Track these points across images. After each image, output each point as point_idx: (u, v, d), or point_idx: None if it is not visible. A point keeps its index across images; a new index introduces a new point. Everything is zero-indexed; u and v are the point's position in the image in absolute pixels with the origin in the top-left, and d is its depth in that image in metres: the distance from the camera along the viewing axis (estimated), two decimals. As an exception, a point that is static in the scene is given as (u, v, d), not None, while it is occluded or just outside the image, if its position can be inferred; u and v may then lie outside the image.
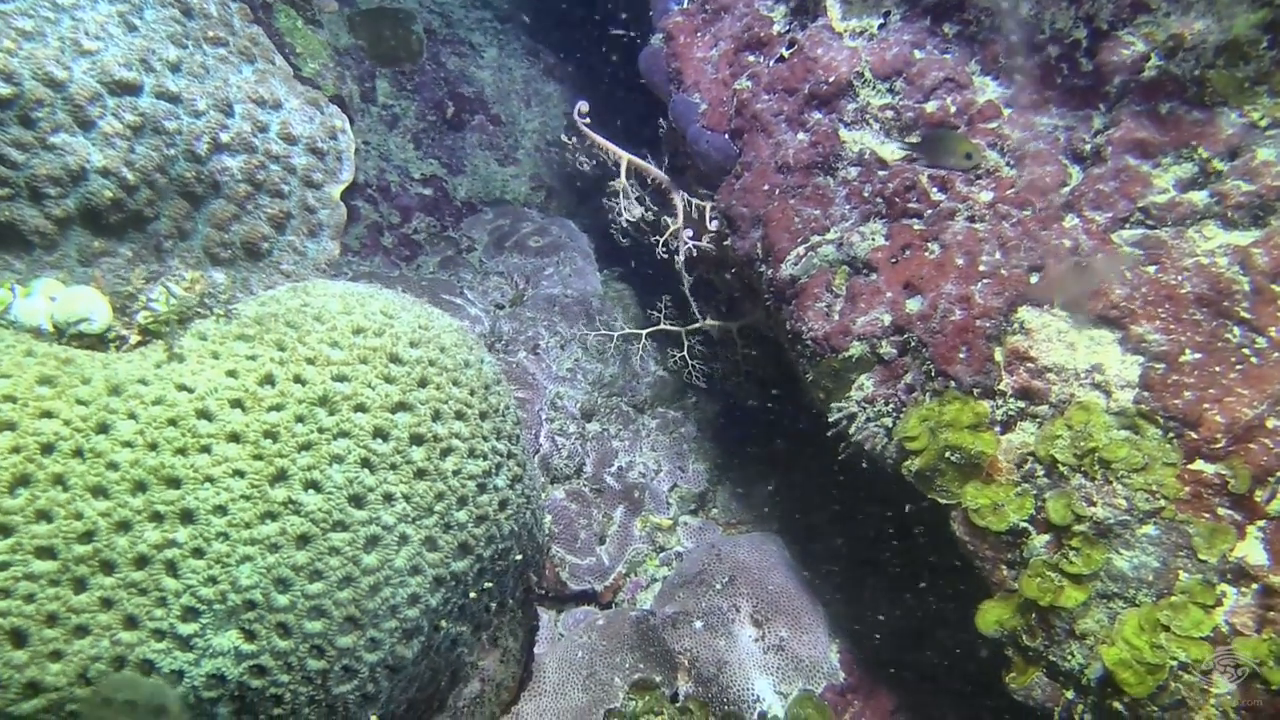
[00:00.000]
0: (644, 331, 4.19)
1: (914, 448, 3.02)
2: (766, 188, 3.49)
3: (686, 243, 3.91)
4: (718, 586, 4.05)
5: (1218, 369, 2.75)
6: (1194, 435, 2.71)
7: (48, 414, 1.88)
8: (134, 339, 2.08)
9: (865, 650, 4.00)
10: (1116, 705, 2.69)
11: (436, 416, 2.14)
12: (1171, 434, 2.74)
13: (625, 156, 3.98)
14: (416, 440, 2.10)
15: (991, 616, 2.95)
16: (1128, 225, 3.03)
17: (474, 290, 5.37)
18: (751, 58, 3.76)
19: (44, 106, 2.55)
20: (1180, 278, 2.87)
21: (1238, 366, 2.74)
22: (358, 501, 2.00)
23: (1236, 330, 2.78)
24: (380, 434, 2.06)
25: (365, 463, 2.01)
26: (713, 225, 3.84)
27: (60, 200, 2.58)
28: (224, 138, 2.85)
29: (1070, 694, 2.82)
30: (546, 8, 7.36)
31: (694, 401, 5.06)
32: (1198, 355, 2.77)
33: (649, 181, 4.04)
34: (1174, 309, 2.84)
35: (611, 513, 4.44)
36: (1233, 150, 2.95)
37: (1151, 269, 2.92)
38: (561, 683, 3.69)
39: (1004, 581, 2.93)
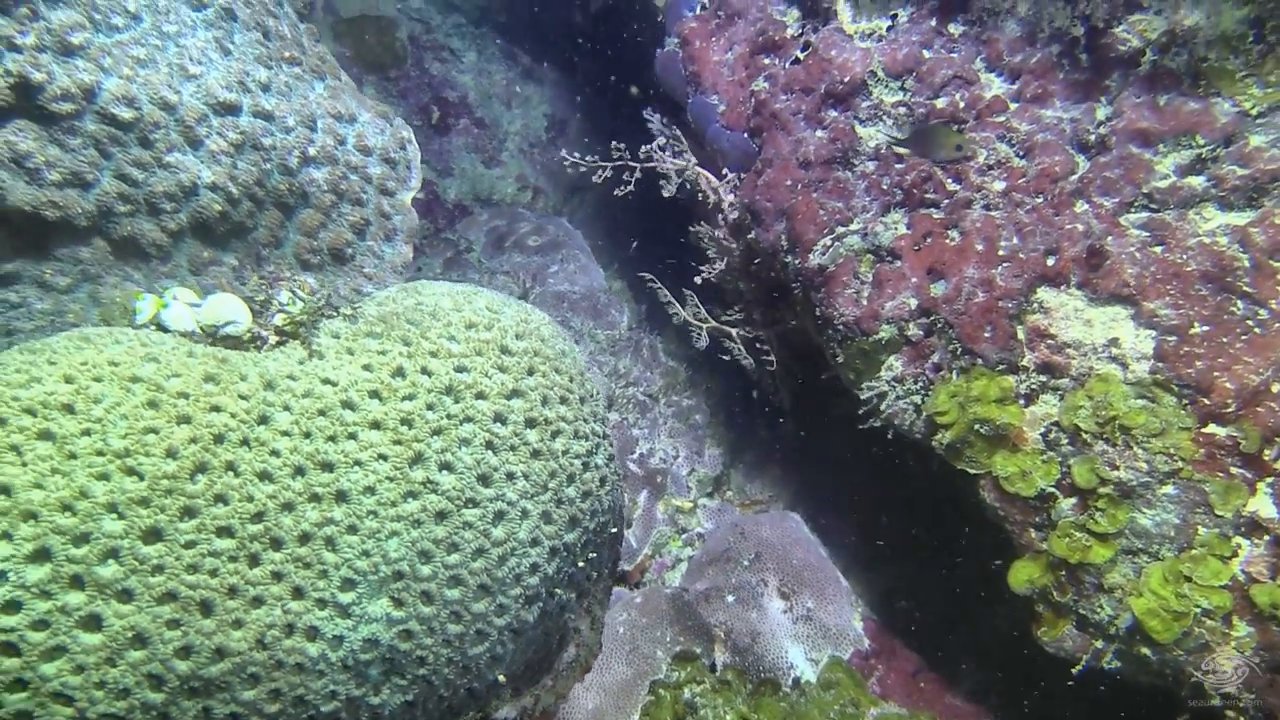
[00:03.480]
0: (704, 324, 4.33)
1: (944, 422, 3.22)
2: (789, 182, 3.68)
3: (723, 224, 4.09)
4: (745, 563, 4.24)
5: (1225, 339, 2.97)
6: (1206, 401, 2.93)
7: (216, 408, 2.03)
8: (272, 339, 2.23)
9: (885, 617, 4.21)
10: (1144, 650, 2.92)
11: (545, 401, 2.32)
12: (1185, 400, 2.96)
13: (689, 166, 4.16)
14: (530, 423, 2.28)
15: (1023, 575, 3.16)
16: (1133, 209, 3.25)
17: (483, 289, 5.52)
18: (767, 60, 3.95)
19: (160, 128, 2.70)
20: (1185, 256, 3.10)
21: (1243, 337, 2.96)
22: (485, 480, 2.17)
23: (1240, 303, 3.00)
24: (499, 418, 2.23)
25: (489, 445, 2.18)
26: (733, 215, 4.02)
27: (174, 214, 2.73)
28: (311, 151, 3.00)
29: (1099, 643, 3.04)
30: (519, 10, 7.49)
31: (705, 389, 5.26)
32: (1206, 327, 2.99)
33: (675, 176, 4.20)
34: (1182, 285, 3.07)
35: (636, 497, 4.62)
36: (1227, 137, 3.18)
37: (1158, 249, 3.14)
38: (606, 657, 3.86)
39: (1032, 543, 3.14)
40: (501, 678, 2.25)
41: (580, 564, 2.39)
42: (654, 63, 4.39)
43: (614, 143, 4.26)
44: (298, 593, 2.02)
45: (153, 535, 1.93)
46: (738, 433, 5.11)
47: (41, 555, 1.86)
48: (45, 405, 1.92)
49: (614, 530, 2.59)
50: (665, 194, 4.28)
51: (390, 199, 3.16)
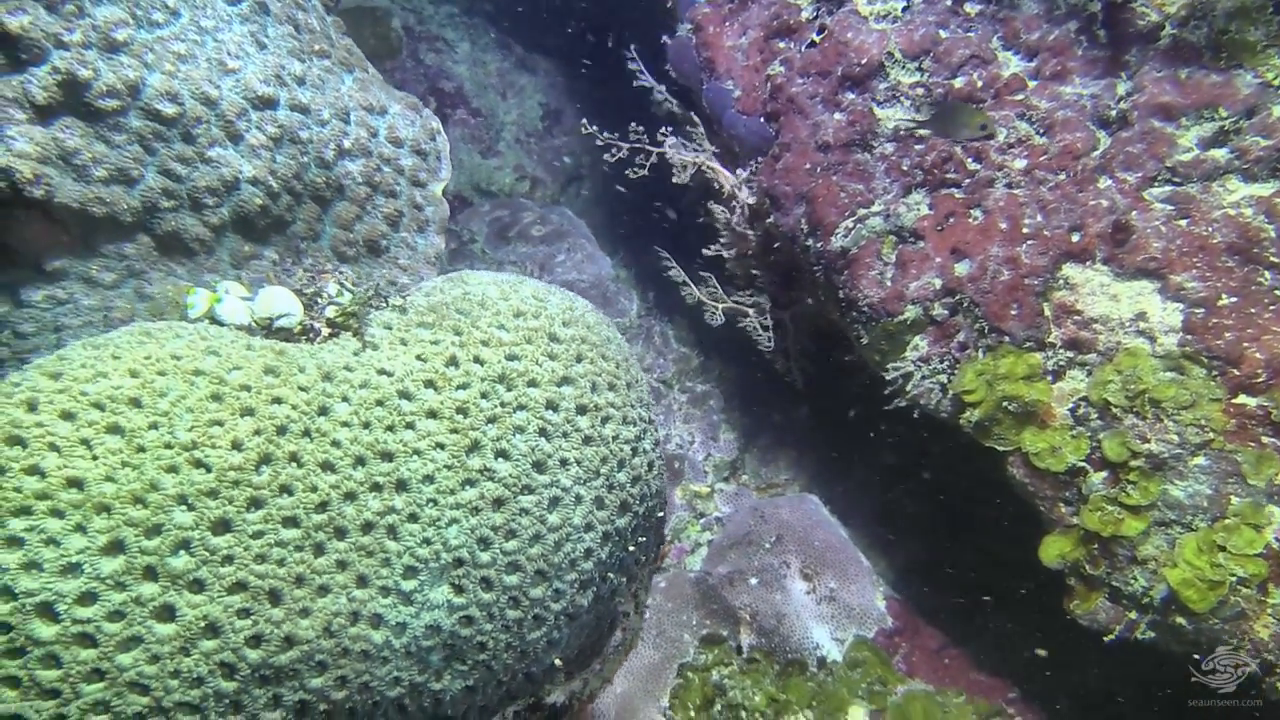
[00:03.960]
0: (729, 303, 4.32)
1: (972, 400, 3.25)
2: (808, 166, 3.69)
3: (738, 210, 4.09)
4: (766, 545, 4.26)
5: (1253, 310, 3.00)
6: (1236, 372, 2.96)
7: (278, 400, 2.04)
8: (325, 331, 2.23)
9: (907, 596, 4.24)
10: (1180, 620, 2.95)
11: (594, 388, 2.33)
12: (1215, 372, 2.99)
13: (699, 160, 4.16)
14: (581, 410, 2.29)
15: (1054, 550, 3.19)
16: (1157, 183, 3.27)
17: (494, 280, 5.51)
18: (782, 44, 3.95)
19: (202, 123, 2.68)
20: (1210, 229, 3.12)
21: (1271, 307, 2.99)
22: (540, 467, 2.18)
23: (1267, 274, 3.03)
24: (551, 406, 2.24)
25: (542, 432, 2.19)
26: (751, 200, 4.03)
27: (217, 209, 2.71)
28: (346, 144, 2.99)
29: (1133, 614, 3.07)
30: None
31: (718, 374, 5.27)
32: (1234, 299, 3.02)
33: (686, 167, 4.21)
34: (1208, 258, 3.09)
35: (655, 484, 4.64)
36: (1250, 109, 3.20)
37: (1183, 222, 3.17)
38: (624, 636, 3.88)
39: (1063, 518, 3.17)
40: (558, 662, 2.26)
41: (630, 548, 2.40)
42: (665, 50, 4.39)
43: (632, 125, 4.25)
44: (362, 581, 2.03)
45: (222, 526, 1.94)
46: (751, 417, 5.13)
47: (115, 547, 1.87)
48: (113, 399, 1.92)
49: (660, 515, 2.60)
50: (676, 180, 4.27)
51: (422, 190, 3.15)
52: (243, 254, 2.77)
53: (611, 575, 2.38)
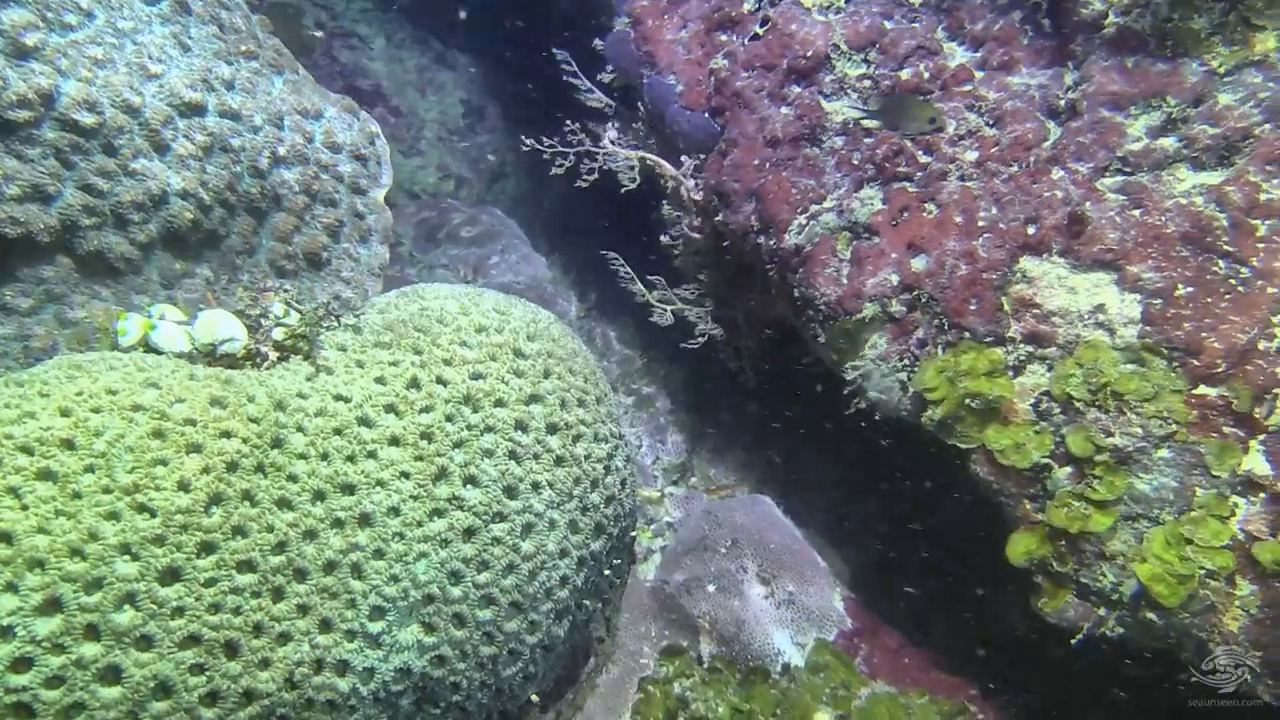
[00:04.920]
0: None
1: (934, 398, 3.19)
2: (757, 162, 3.61)
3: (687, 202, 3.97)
4: (722, 550, 4.17)
5: (1209, 300, 2.99)
6: (1196, 362, 2.95)
7: (226, 434, 1.87)
8: (273, 355, 2.06)
9: (864, 595, 4.20)
10: (1150, 615, 2.93)
11: (563, 405, 2.20)
12: (1175, 363, 2.97)
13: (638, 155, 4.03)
14: (551, 429, 2.16)
15: (1020, 548, 3.15)
16: (1109, 173, 3.25)
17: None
18: (724, 37, 3.86)
19: (124, 133, 2.46)
20: (1164, 218, 3.10)
21: (1227, 296, 2.98)
22: (511, 492, 2.05)
23: (1222, 263, 3.02)
24: (520, 426, 2.11)
25: (512, 454, 2.06)
26: (698, 196, 3.92)
27: (144, 225, 2.49)
28: (280, 151, 2.79)
29: (1102, 611, 3.05)
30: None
31: (663, 375, 5.17)
32: (1190, 289, 3.00)
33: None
34: (1163, 248, 3.07)
35: (604, 491, 4.51)
36: (1197, 97, 3.19)
37: (1137, 213, 3.15)
38: (597, 661, 3.76)
39: (1028, 515, 3.13)
40: (534, 697, 2.14)
41: (606, 572, 2.28)
42: (603, 44, 4.26)
43: (569, 123, 4.12)
44: (325, 625, 1.88)
45: (170, 575, 1.77)
46: (699, 418, 5.05)
47: (52, 605, 1.69)
48: (42, 442, 1.74)
49: (633, 534, 2.49)
50: (625, 187, 4.16)
51: (363, 197, 2.98)
52: (174, 273, 2.56)
53: (587, 601, 2.26)
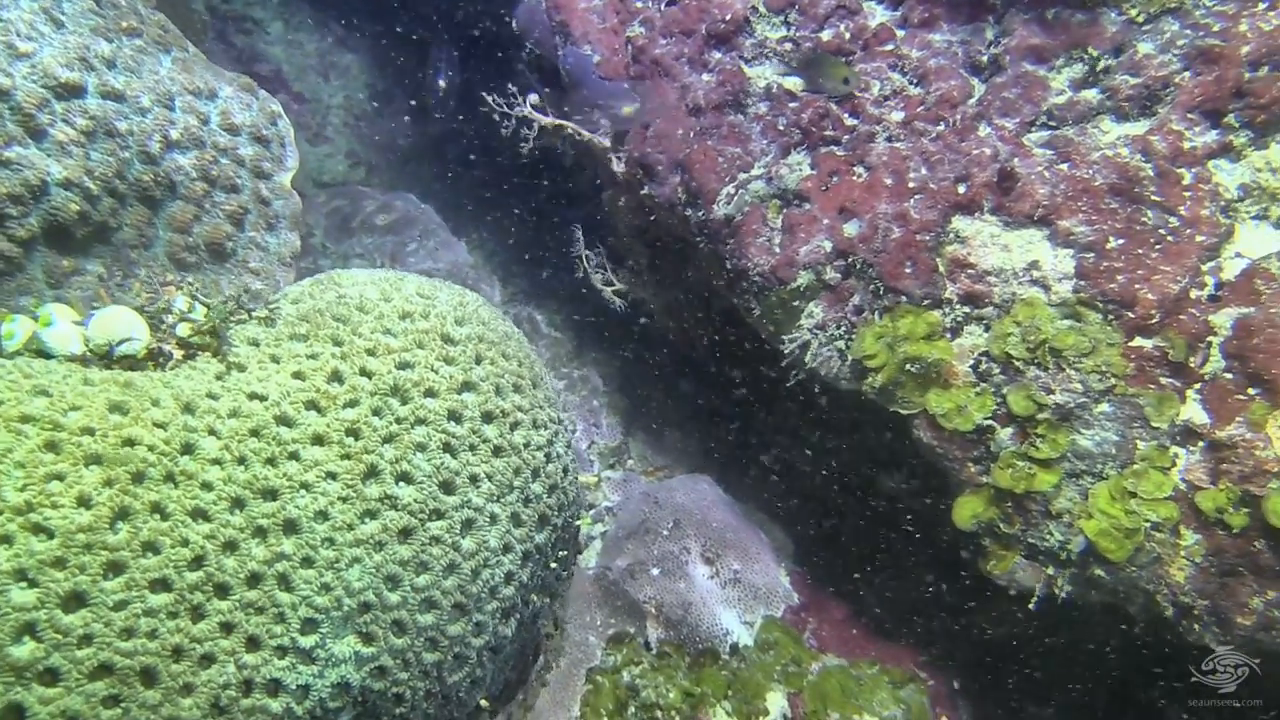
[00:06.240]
0: None
1: (874, 364, 3.13)
2: (680, 132, 3.50)
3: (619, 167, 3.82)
4: (664, 532, 4.09)
5: (1140, 251, 2.98)
6: (1130, 314, 2.93)
7: (130, 442, 1.70)
8: (177, 354, 1.89)
9: (810, 569, 4.16)
10: (1099, 571, 2.91)
11: (498, 391, 2.07)
12: (1110, 316, 2.95)
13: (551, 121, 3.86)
14: (487, 418, 2.03)
15: (967, 511, 3.11)
16: (1035, 128, 3.22)
17: (342, 276, 5.15)
18: (640, 3, 3.74)
19: None
20: (1091, 171, 3.08)
21: (1157, 246, 2.97)
22: (448, 487, 1.92)
23: (1150, 213, 3.01)
24: (454, 416, 1.98)
25: (447, 447, 1.93)
26: (621, 169, 3.79)
27: (23, 220, 2.28)
28: (173, 134, 2.59)
29: (1051, 570, 3.03)
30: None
31: (594, 357, 5.06)
32: (1121, 241, 2.98)
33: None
34: (1092, 201, 3.05)
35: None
36: (1117, 47, 3.17)
37: (1065, 166, 3.12)
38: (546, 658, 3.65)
39: (973, 478, 3.09)
40: (484, 702, 2.01)
41: (552, 564, 2.17)
42: (515, 16, 4.11)
43: (517, 98, 3.93)
44: (253, 643, 1.73)
45: (74, 601, 1.61)
46: (633, 399, 4.94)
47: (-61, 645, 1.52)
48: (-82, 462, 1.57)
49: (578, 523, 2.38)
50: (524, 147, 3.97)
51: (268, 182, 2.79)
52: (61, 270, 2.36)
53: (534, 597, 2.15)
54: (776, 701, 3.58)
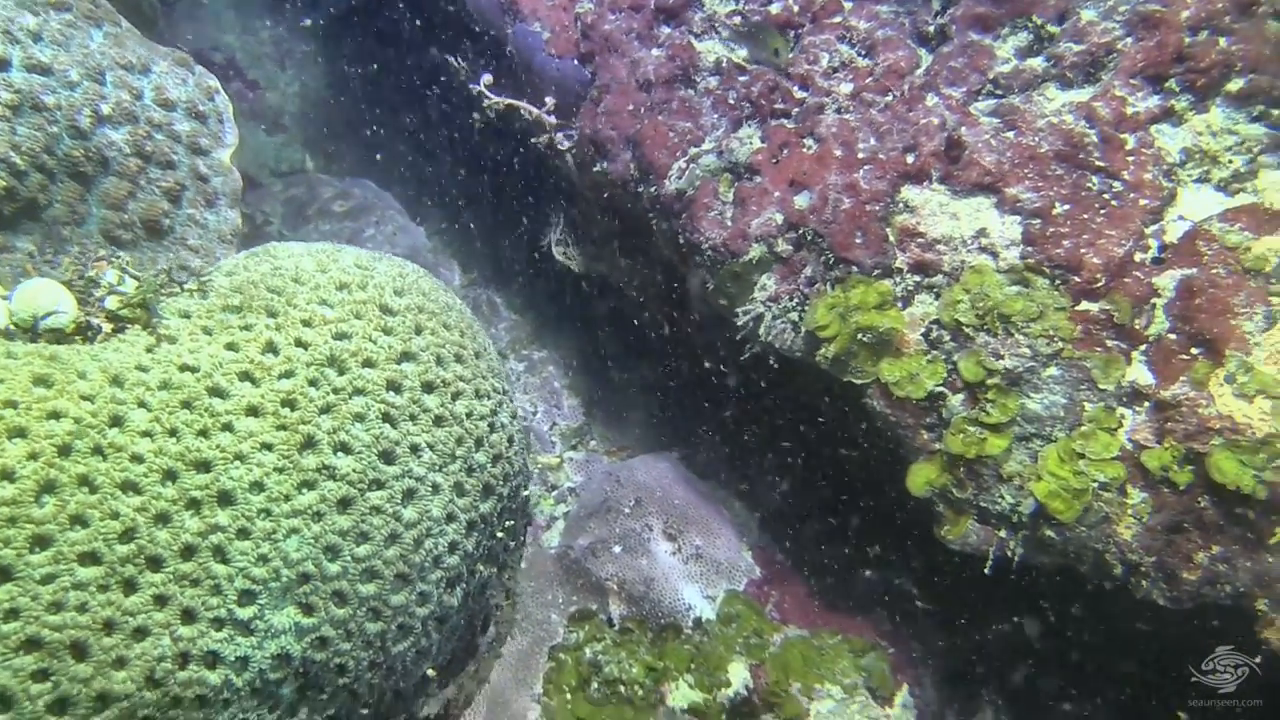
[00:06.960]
0: None
1: (826, 335, 3.14)
2: (631, 107, 3.50)
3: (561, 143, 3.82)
4: (626, 510, 4.09)
5: (1086, 216, 3.00)
6: (1077, 279, 2.95)
7: (55, 415, 1.68)
8: (106, 327, 1.88)
9: (772, 543, 4.18)
10: (1049, 533, 2.94)
11: (439, 361, 2.06)
12: (1057, 281, 2.97)
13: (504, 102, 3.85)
14: (428, 387, 2.02)
15: (920, 478, 3.13)
16: (981, 97, 3.23)
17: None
18: (587, -21, 3.73)
19: None
20: (1037, 138, 3.10)
21: (1102, 211, 2.99)
22: (388, 457, 1.91)
23: (1095, 179, 3.03)
24: (393, 386, 1.97)
25: (386, 417, 1.92)
26: (570, 146, 3.79)
27: None
28: (104, 109, 2.55)
29: (1003, 533, 3.05)
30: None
31: (554, 339, 5.05)
32: (1067, 206, 3.00)
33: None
34: (1038, 168, 3.06)
35: (500, 460, 4.38)
36: (1061, 14, 3.18)
37: (1011, 134, 3.13)
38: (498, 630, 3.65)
39: (926, 445, 3.11)
40: (431, 672, 2.01)
41: (499, 534, 2.16)
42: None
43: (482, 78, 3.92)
44: (188, 615, 1.72)
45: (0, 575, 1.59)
46: (594, 380, 4.94)
47: None
48: None
49: (525, 494, 2.37)
50: (477, 121, 3.96)
51: (205, 159, 2.76)
52: (-13, 247, 2.33)
53: (481, 567, 2.15)
54: (739, 673, 3.60)
